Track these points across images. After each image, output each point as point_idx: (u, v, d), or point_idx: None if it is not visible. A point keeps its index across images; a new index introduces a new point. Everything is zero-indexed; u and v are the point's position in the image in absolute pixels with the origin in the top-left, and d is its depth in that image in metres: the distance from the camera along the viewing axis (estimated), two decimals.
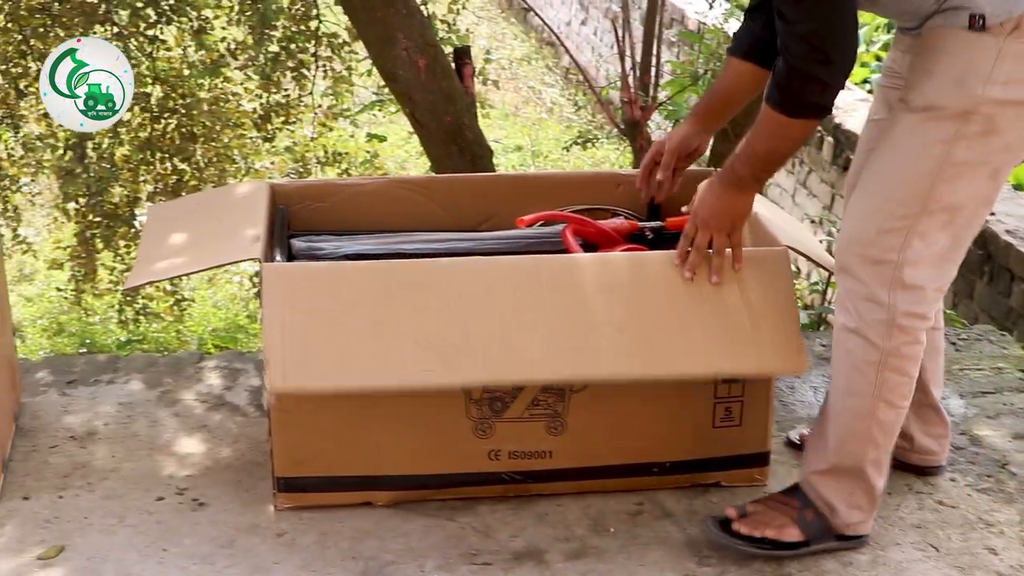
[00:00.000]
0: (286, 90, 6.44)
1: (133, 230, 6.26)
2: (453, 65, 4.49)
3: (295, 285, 2.44)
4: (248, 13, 6.01)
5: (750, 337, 2.47)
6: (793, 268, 2.57)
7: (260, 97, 6.45)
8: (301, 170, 6.85)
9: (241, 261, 2.62)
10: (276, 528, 2.55)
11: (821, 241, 4.25)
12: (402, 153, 9.38)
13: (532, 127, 10.44)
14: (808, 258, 2.72)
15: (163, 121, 6.15)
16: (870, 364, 2.35)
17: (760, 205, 2.68)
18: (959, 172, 2.25)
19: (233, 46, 6.23)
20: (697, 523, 2.55)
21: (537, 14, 7.83)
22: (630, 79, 5.07)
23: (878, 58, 7.52)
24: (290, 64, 6.21)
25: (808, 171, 6.69)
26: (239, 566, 2.43)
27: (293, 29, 6.18)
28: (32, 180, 6.78)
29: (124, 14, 5.85)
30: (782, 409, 3.07)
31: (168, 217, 3.04)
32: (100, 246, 6.37)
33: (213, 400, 3.11)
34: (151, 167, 6.24)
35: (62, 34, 5.57)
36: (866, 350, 2.35)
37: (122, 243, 6.31)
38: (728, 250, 2.48)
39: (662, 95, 5.32)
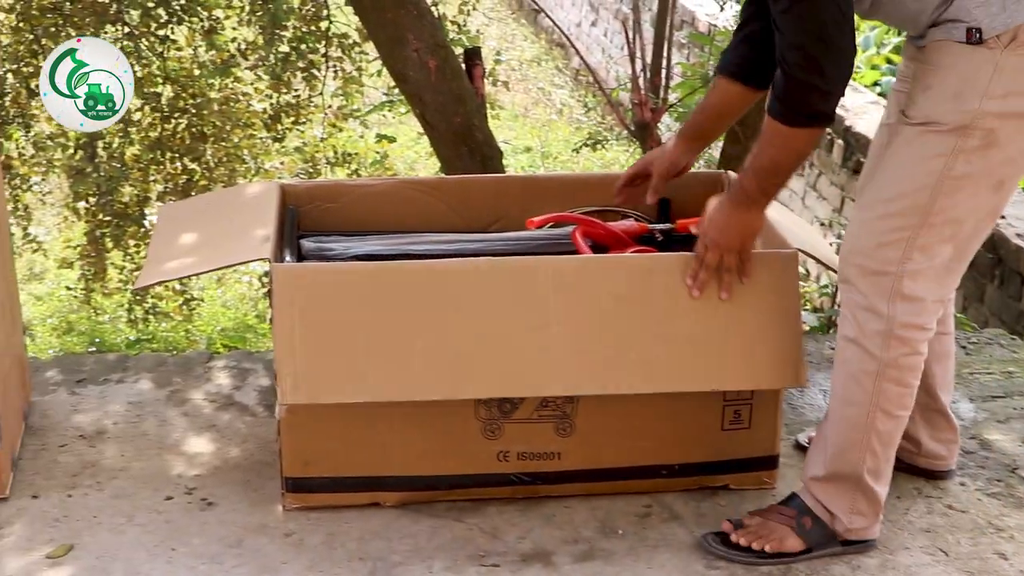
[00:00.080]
0: (296, 90, 6.44)
1: (143, 229, 6.27)
2: (463, 66, 4.49)
3: (305, 286, 2.44)
4: (259, 13, 6.02)
5: (751, 349, 2.48)
6: (802, 271, 2.57)
7: (270, 97, 6.46)
8: (311, 170, 6.85)
9: (251, 261, 2.62)
10: (284, 528, 2.55)
11: (831, 244, 4.24)
12: (412, 154, 9.38)
13: (542, 128, 10.44)
14: (818, 261, 2.72)
15: (173, 121, 6.16)
16: (867, 374, 2.35)
17: (770, 208, 2.68)
18: (959, 185, 2.24)
19: (244, 46, 6.24)
20: (706, 525, 2.55)
21: (547, 15, 7.82)
22: (640, 81, 5.06)
23: (889, 60, 7.51)
24: (300, 64, 6.22)
25: (818, 174, 6.68)
26: (247, 566, 2.43)
27: (304, 30, 6.19)
28: (43, 179, 6.79)
29: (135, 14, 5.86)
30: (791, 412, 3.06)
31: (178, 217, 3.04)
32: (110, 245, 6.38)
33: (222, 400, 3.11)
34: (161, 167, 6.25)
35: (73, 34, 5.58)
36: (863, 360, 2.35)
37: (132, 242, 6.32)
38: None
39: (672, 97, 5.31)
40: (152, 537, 2.52)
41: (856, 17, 2.33)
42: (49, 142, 6.22)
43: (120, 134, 6.09)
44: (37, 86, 5.76)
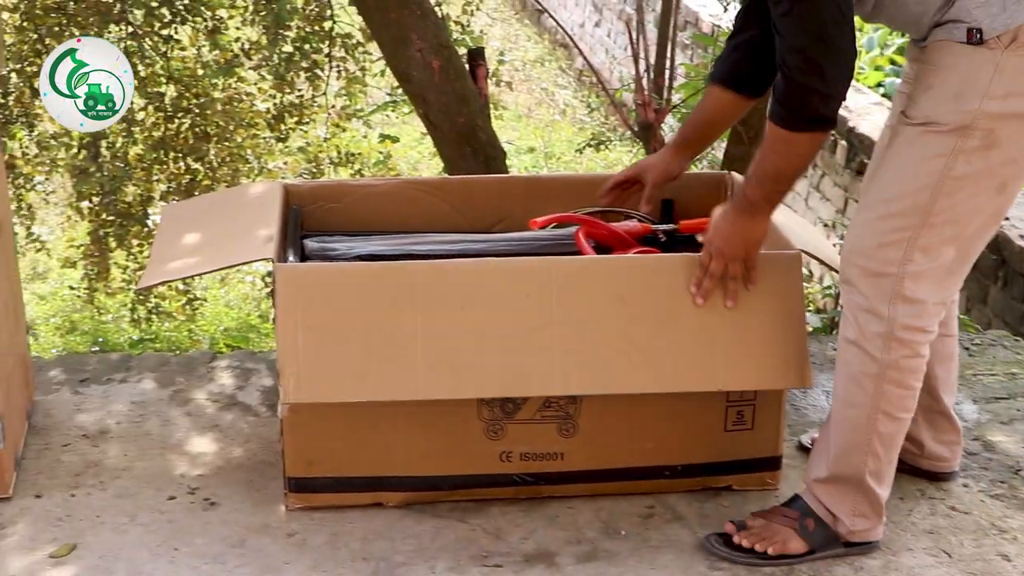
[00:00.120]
0: (300, 90, 6.45)
1: (146, 229, 6.27)
2: (467, 66, 4.49)
3: (308, 286, 2.44)
4: (262, 13, 6.03)
5: (756, 349, 2.47)
6: (806, 272, 2.57)
7: (274, 97, 6.46)
8: (314, 170, 6.86)
9: (254, 261, 2.62)
10: (287, 528, 2.55)
11: (834, 245, 4.24)
12: (415, 154, 9.39)
13: (545, 129, 10.44)
14: (821, 262, 2.72)
15: (177, 121, 6.17)
16: (868, 376, 2.34)
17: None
18: (960, 186, 2.23)
19: (247, 46, 6.25)
20: (709, 526, 2.55)
21: (551, 15, 7.83)
22: (644, 81, 5.06)
23: (892, 61, 7.51)
24: (304, 64, 6.22)
25: (821, 175, 6.68)
26: (250, 566, 2.43)
27: (307, 29, 6.19)
28: (46, 179, 6.80)
29: (139, 13, 5.87)
30: (794, 413, 3.06)
31: (182, 217, 3.04)
32: (113, 245, 6.39)
33: (225, 400, 3.11)
34: (164, 166, 6.25)
35: (77, 33, 5.59)
36: (864, 362, 2.34)
37: (135, 242, 6.33)
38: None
39: (676, 98, 5.31)
40: (155, 537, 2.52)
41: (858, 19, 2.33)
42: (53, 141, 6.23)
43: (124, 134, 6.10)
44: None
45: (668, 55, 5.29)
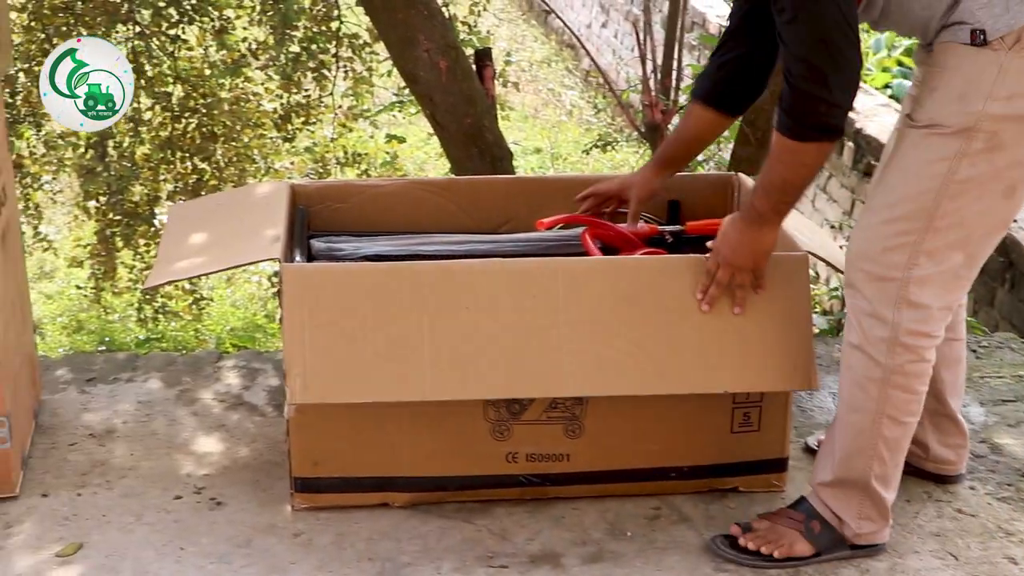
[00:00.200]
0: (306, 90, 6.46)
1: (153, 229, 6.29)
2: (474, 67, 4.49)
3: (315, 286, 2.44)
4: (270, 13, 6.04)
5: (762, 351, 2.47)
6: (812, 273, 2.57)
7: (280, 97, 6.48)
8: (320, 170, 6.87)
9: (261, 261, 2.63)
10: (293, 528, 2.55)
11: (841, 247, 4.24)
12: (421, 155, 9.39)
13: (552, 129, 10.44)
14: (828, 264, 2.71)
15: (184, 120, 6.18)
16: (872, 381, 2.34)
17: None
18: (964, 189, 2.22)
19: (254, 46, 6.26)
20: (715, 528, 2.54)
21: (558, 16, 7.83)
22: (651, 82, 5.07)
23: (900, 63, 7.50)
24: (311, 65, 6.23)
25: (828, 176, 6.68)
26: (256, 566, 2.43)
27: (314, 30, 6.20)
28: (53, 178, 6.82)
29: (146, 13, 5.88)
30: (801, 415, 3.06)
31: (188, 217, 3.05)
32: (120, 244, 6.40)
33: (231, 399, 3.11)
34: (171, 166, 6.27)
35: (85, 33, 5.60)
36: (868, 367, 2.34)
37: (142, 241, 6.34)
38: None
39: (683, 99, 5.31)
40: (161, 536, 2.53)
41: (865, 24, 2.32)
42: (60, 141, 6.24)
43: (130, 133, 6.11)
44: None
45: (675, 56, 5.30)
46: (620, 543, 2.52)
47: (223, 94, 6.34)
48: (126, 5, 5.76)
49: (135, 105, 6.05)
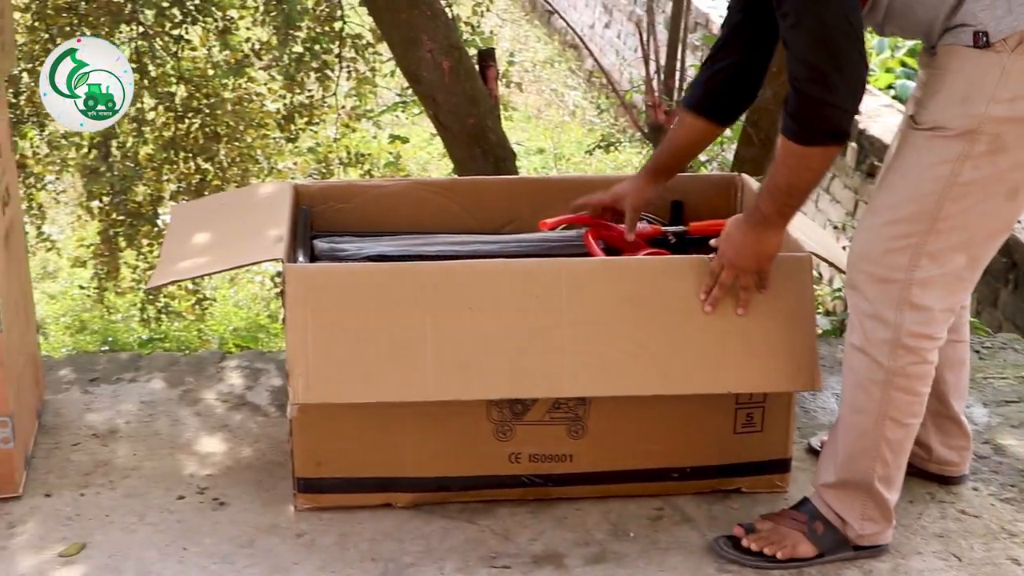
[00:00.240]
0: (310, 91, 6.46)
1: (156, 229, 6.28)
2: (477, 67, 4.50)
3: (318, 287, 2.44)
4: (273, 14, 6.04)
5: (766, 351, 2.47)
6: (815, 274, 2.56)
7: (284, 97, 6.47)
8: (324, 171, 6.87)
9: (264, 261, 2.63)
10: (296, 528, 2.55)
11: (844, 247, 4.24)
12: (424, 155, 9.39)
13: (555, 130, 10.44)
14: (831, 264, 2.71)
15: (187, 121, 6.18)
16: (875, 383, 2.33)
17: None
18: (967, 191, 2.22)
19: (257, 46, 6.26)
20: (718, 529, 2.54)
21: (561, 16, 7.84)
22: (654, 83, 5.07)
23: (903, 64, 7.49)
24: (314, 65, 6.23)
25: (831, 177, 6.67)
26: (259, 566, 2.44)
27: (317, 30, 6.20)
28: (57, 178, 6.82)
29: (150, 14, 5.88)
30: (804, 415, 3.05)
31: (192, 217, 3.05)
32: (123, 244, 6.40)
33: (234, 400, 3.12)
34: (175, 166, 6.27)
35: (88, 33, 5.60)
36: (870, 369, 2.33)
37: (145, 242, 6.34)
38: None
39: None
40: (164, 536, 2.53)
41: (869, 29, 2.32)
42: (63, 141, 6.24)
43: (134, 134, 6.12)
44: None
45: (678, 56, 5.30)
46: (623, 544, 2.52)
47: (226, 94, 6.33)
48: (129, 5, 5.76)
49: (139, 105, 6.06)
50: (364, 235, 2.85)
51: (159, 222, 6.28)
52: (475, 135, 4.40)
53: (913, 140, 2.28)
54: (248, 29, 6.42)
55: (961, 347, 2.61)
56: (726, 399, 2.59)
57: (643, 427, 2.60)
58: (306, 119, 6.48)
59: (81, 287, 7.24)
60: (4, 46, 2.67)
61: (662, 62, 5.32)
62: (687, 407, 2.59)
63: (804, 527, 2.45)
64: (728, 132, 5.71)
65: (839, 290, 5.28)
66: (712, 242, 2.49)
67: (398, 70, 4.91)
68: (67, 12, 5.72)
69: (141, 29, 5.90)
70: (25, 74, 5.79)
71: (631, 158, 9.11)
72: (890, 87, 7.23)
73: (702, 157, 6.01)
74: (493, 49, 5.00)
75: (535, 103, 11.09)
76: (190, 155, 6.23)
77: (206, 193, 6.13)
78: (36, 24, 5.77)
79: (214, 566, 2.44)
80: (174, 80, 6.11)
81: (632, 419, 2.59)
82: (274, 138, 6.63)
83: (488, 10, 6.86)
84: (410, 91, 5.41)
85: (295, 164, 7.22)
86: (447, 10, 4.97)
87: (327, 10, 6.21)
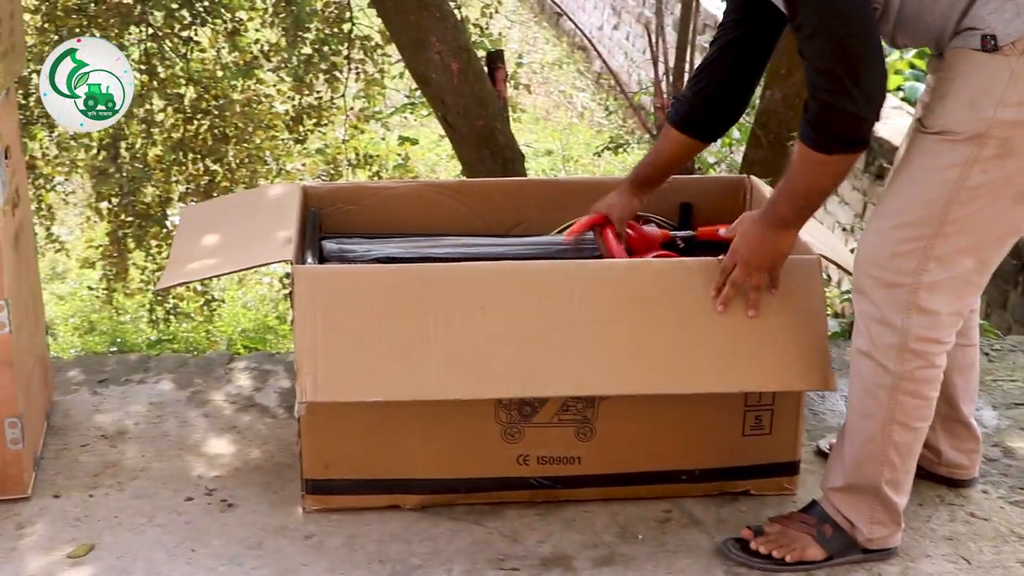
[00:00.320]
0: (318, 92, 6.47)
1: (165, 230, 6.30)
2: (486, 69, 4.50)
3: (326, 288, 2.44)
4: (282, 15, 6.05)
5: (777, 352, 2.46)
6: (824, 276, 2.56)
7: (292, 99, 6.48)
8: (332, 172, 6.88)
9: (273, 263, 2.63)
10: (304, 530, 2.55)
11: (852, 250, 4.23)
12: (433, 156, 9.40)
13: (563, 131, 10.44)
14: (841, 267, 2.71)
15: (196, 122, 6.19)
16: (882, 388, 2.33)
17: None
18: (975, 196, 2.21)
19: (266, 48, 6.27)
20: (726, 531, 2.54)
21: (569, 18, 7.83)
22: (663, 84, 5.06)
23: (912, 65, 7.48)
24: (323, 66, 6.24)
25: None
26: (267, 567, 2.44)
27: (326, 31, 6.21)
28: (66, 179, 6.84)
29: (159, 15, 5.90)
30: (812, 418, 3.05)
31: (200, 218, 3.05)
32: (132, 245, 6.41)
33: (243, 401, 3.12)
34: (183, 168, 6.28)
35: (98, 35, 5.62)
36: (877, 374, 2.33)
37: (154, 243, 6.35)
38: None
39: None
40: (172, 538, 2.53)
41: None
42: (72, 142, 6.26)
43: (143, 135, 6.13)
44: None
45: (687, 58, 5.29)
46: (631, 546, 2.52)
47: (235, 96, 6.35)
48: (139, 7, 5.77)
49: (148, 107, 6.07)
50: (373, 237, 2.85)
51: (168, 223, 6.30)
52: (484, 137, 4.40)
53: (921, 144, 2.27)
54: (257, 31, 6.43)
55: (970, 351, 2.61)
56: (735, 401, 2.58)
57: (651, 429, 2.60)
58: (315, 120, 6.49)
59: (90, 288, 7.25)
60: (14, 48, 2.68)
61: (671, 64, 5.31)
62: (696, 409, 2.58)
63: (813, 530, 2.44)
64: (737, 134, 5.72)
65: (848, 292, 5.26)
66: (722, 232, 2.49)
67: (407, 72, 4.91)
68: (76, 14, 5.74)
69: (150, 31, 5.91)
70: (35, 75, 5.80)
71: (639, 160, 9.11)
72: (899, 89, 7.22)
73: (711, 159, 6.01)
74: (502, 51, 5.00)
75: (544, 105, 11.09)
76: (199, 156, 6.25)
77: (215, 194, 6.14)
78: (46, 26, 5.79)
79: (222, 567, 2.44)
80: (183, 81, 6.12)
81: (640, 421, 2.59)
82: (283, 139, 6.64)
83: (497, 12, 6.87)
84: (419, 93, 5.42)
85: (304, 165, 7.23)
86: (456, 12, 4.97)
87: (336, 11, 6.22)
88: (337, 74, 6.35)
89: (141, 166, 6.15)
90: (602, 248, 2.70)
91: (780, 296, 2.46)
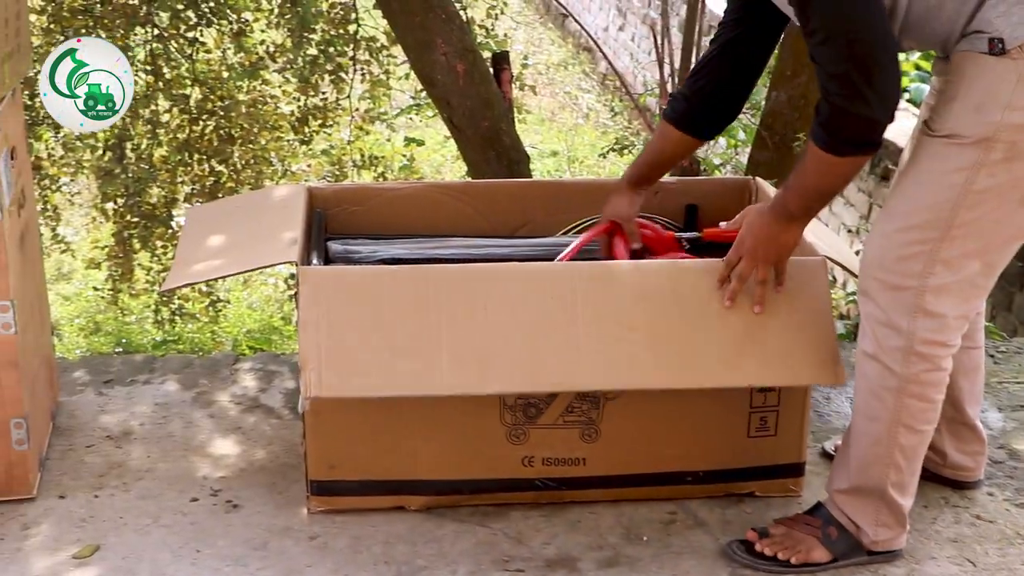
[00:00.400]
0: (324, 93, 6.48)
1: (170, 231, 6.31)
2: (491, 70, 4.50)
3: (331, 289, 2.44)
4: (287, 16, 6.06)
5: (786, 348, 2.45)
6: (829, 278, 2.55)
7: (298, 100, 6.49)
8: (337, 173, 6.89)
9: (278, 264, 2.63)
10: (309, 531, 2.55)
11: (857, 252, 4.23)
12: (438, 157, 9.41)
13: (568, 133, 10.45)
14: (846, 269, 2.70)
15: (201, 123, 6.20)
16: (888, 390, 2.32)
17: None
18: (982, 199, 2.20)
19: (272, 49, 6.28)
20: (731, 533, 2.54)
21: (575, 19, 7.84)
22: (668, 86, 5.06)
23: (918, 67, 7.47)
24: (328, 67, 6.25)
25: None
26: (272, 568, 2.44)
27: (332, 33, 6.22)
28: (71, 180, 6.85)
29: (165, 16, 5.91)
30: (817, 419, 3.05)
31: (206, 219, 3.05)
32: (137, 246, 6.43)
33: (248, 402, 3.12)
34: (189, 168, 6.29)
35: (103, 35, 5.63)
36: (883, 376, 2.32)
37: (159, 243, 6.37)
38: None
39: None
40: (177, 538, 2.53)
41: None
42: (78, 143, 6.27)
43: (148, 136, 6.14)
44: None
45: (692, 59, 5.29)
46: (636, 547, 2.52)
47: (241, 96, 6.36)
48: (144, 8, 5.78)
49: (153, 107, 6.08)
50: (378, 238, 2.85)
51: (173, 224, 6.31)
52: (489, 138, 4.41)
53: (928, 147, 2.27)
54: (263, 31, 6.44)
55: (976, 353, 2.60)
56: (740, 403, 2.58)
57: (656, 431, 2.60)
58: (320, 121, 6.50)
59: (95, 289, 7.27)
60: (20, 48, 2.68)
61: (676, 65, 5.32)
62: (700, 411, 2.58)
63: (818, 532, 2.44)
64: (742, 135, 5.72)
65: (853, 294, 5.26)
66: (723, 225, 2.48)
67: (412, 73, 4.92)
68: (82, 14, 5.75)
69: (156, 31, 5.92)
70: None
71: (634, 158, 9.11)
72: (904, 91, 7.21)
73: (716, 161, 6.01)
74: (507, 52, 5.01)
75: (549, 106, 11.10)
76: (204, 157, 6.26)
77: (220, 195, 6.16)
78: (52, 26, 5.80)
79: (227, 568, 2.44)
80: (189, 82, 6.13)
81: (645, 423, 2.59)
82: (288, 140, 6.66)
83: (502, 13, 6.87)
84: (424, 94, 5.42)
85: (309, 166, 7.24)
86: (461, 13, 4.97)
87: (342, 13, 6.22)
88: (343, 75, 6.36)
89: (147, 167, 6.17)
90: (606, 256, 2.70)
91: (787, 297, 2.46)
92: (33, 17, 5.77)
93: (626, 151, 6.84)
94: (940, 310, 2.26)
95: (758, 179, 3.00)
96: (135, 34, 5.92)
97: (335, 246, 2.76)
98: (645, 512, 2.62)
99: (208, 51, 6.27)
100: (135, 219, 6.29)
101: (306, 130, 6.48)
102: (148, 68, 5.97)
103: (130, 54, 5.81)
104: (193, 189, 6.35)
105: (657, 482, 2.65)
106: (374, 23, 6.41)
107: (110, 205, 6.41)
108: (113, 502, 2.66)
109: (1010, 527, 2.62)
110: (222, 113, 6.19)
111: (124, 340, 7.44)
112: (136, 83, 5.71)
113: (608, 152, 6.69)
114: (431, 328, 2.41)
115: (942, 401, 2.36)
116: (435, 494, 2.61)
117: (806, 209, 2.35)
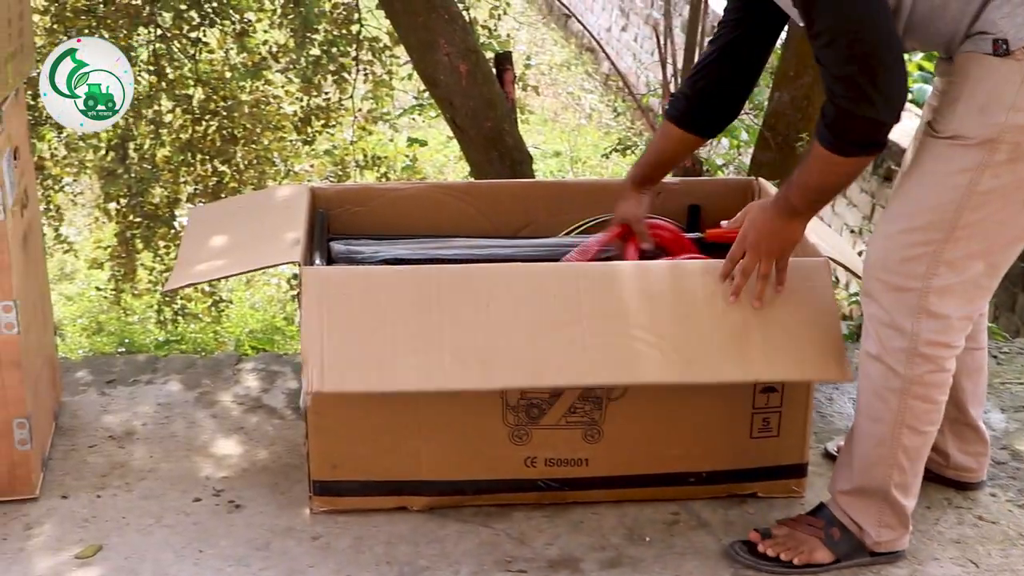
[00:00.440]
0: (326, 93, 6.48)
1: (173, 231, 6.31)
2: (494, 71, 4.50)
3: (334, 289, 2.44)
4: (290, 16, 6.06)
5: (791, 345, 2.45)
6: (832, 279, 2.55)
7: (301, 100, 6.49)
8: (340, 173, 6.89)
9: (281, 264, 2.63)
10: (312, 531, 2.55)
11: (860, 253, 4.22)
12: (441, 158, 9.41)
13: (571, 133, 10.45)
14: (849, 270, 2.70)
15: (204, 123, 6.21)
16: (892, 391, 2.32)
17: None
18: (986, 200, 2.20)
19: (275, 49, 6.28)
20: (734, 533, 2.54)
21: (578, 19, 7.83)
22: (671, 86, 5.06)
23: (920, 68, 7.47)
24: (331, 68, 6.25)
25: None
26: (274, 568, 2.44)
27: (335, 33, 6.22)
28: (74, 180, 6.85)
29: (168, 16, 5.91)
30: (820, 420, 3.05)
31: (209, 219, 3.05)
32: (140, 246, 6.43)
33: (250, 402, 3.12)
34: (192, 168, 6.29)
35: (107, 36, 5.63)
36: (887, 377, 2.32)
37: (162, 243, 6.37)
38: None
39: None
40: (180, 538, 2.53)
41: None
42: (81, 143, 6.27)
43: (151, 136, 6.14)
44: None
45: (695, 60, 5.28)
46: (639, 548, 2.52)
47: (243, 97, 6.36)
48: (147, 8, 5.78)
49: (156, 108, 6.08)
50: (381, 238, 2.85)
51: (176, 224, 6.31)
52: (492, 138, 4.41)
53: (931, 148, 2.26)
54: (265, 32, 6.45)
55: (979, 354, 2.60)
56: (742, 403, 2.58)
57: (659, 431, 2.60)
58: (323, 122, 6.50)
59: (98, 289, 7.27)
60: (23, 49, 2.68)
61: (679, 65, 5.31)
62: (703, 411, 2.58)
63: (821, 533, 2.44)
64: (745, 136, 5.71)
65: (856, 295, 5.26)
66: (724, 224, 2.48)
67: (415, 73, 4.92)
68: (85, 15, 5.75)
69: (159, 32, 5.93)
70: None
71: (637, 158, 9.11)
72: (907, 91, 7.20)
73: (719, 161, 6.00)
74: (510, 52, 5.01)
75: (552, 106, 11.10)
76: (207, 157, 6.26)
77: (223, 195, 6.16)
78: (55, 26, 5.80)
79: (230, 568, 2.44)
80: (191, 82, 6.14)
81: (648, 423, 2.59)
82: (291, 140, 6.66)
83: (505, 13, 6.87)
84: (427, 94, 5.42)
85: (312, 167, 7.24)
86: (464, 13, 4.97)
87: (344, 13, 6.23)
88: (345, 75, 6.36)
89: (149, 167, 6.17)
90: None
91: (791, 296, 2.46)
92: (36, 17, 5.77)
93: (629, 152, 6.83)
94: (944, 311, 2.26)
95: (761, 179, 2.99)
96: (138, 34, 5.92)
97: (338, 246, 2.76)
98: (648, 513, 2.62)
99: (211, 51, 6.27)
100: (138, 219, 6.29)
101: (309, 130, 6.48)
102: (151, 68, 5.98)
103: (133, 54, 5.82)
104: (196, 189, 6.35)
105: (660, 483, 2.65)
106: (377, 23, 6.42)
107: (113, 205, 6.41)
108: (116, 502, 2.66)
109: (1013, 528, 2.62)
110: (225, 113, 6.19)
111: (127, 340, 7.44)
112: (139, 83, 5.73)
113: (611, 152, 6.68)
114: (433, 328, 2.41)
115: (945, 402, 2.36)
116: (437, 494, 2.61)
117: (809, 205, 2.35)
